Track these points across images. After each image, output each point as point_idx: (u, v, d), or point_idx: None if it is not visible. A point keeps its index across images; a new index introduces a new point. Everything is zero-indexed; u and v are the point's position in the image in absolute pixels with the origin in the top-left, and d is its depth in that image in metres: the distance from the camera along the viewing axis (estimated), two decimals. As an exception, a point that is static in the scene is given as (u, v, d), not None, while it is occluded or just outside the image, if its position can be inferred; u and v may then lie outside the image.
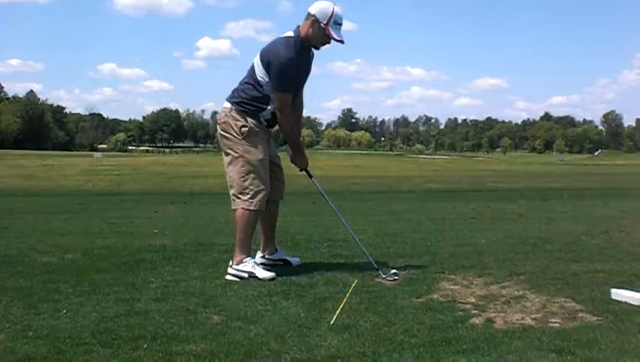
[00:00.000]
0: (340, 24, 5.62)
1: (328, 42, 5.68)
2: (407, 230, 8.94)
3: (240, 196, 5.66)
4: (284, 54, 5.51)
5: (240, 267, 5.56)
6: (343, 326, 4.01)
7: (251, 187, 5.62)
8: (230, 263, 5.64)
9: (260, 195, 5.63)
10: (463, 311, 4.40)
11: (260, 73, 5.62)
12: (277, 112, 5.66)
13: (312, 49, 5.80)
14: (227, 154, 5.76)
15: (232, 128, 5.68)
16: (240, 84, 5.79)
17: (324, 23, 5.54)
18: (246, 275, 5.50)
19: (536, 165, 70.71)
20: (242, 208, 5.63)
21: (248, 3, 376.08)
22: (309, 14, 5.59)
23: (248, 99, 5.68)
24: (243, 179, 5.64)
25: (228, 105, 5.76)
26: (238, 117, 5.68)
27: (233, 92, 5.80)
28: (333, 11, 5.54)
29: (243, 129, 5.64)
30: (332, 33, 5.56)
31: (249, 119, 5.66)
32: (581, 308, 4.49)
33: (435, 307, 4.50)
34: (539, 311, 4.41)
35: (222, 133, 5.78)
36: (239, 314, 4.31)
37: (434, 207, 13.87)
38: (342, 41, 5.65)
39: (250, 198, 5.62)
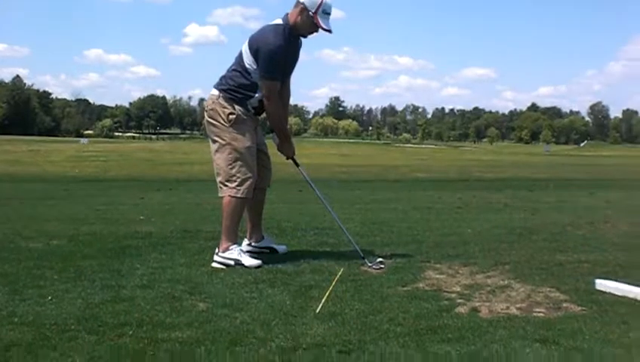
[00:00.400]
0: (329, 13, 5.60)
1: (316, 31, 5.66)
2: (393, 219, 8.96)
3: (227, 183, 5.65)
4: (272, 42, 5.50)
5: (226, 254, 5.56)
6: (329, 314, 4.02)
7: (238, 174, 5.62)
8: (216, 251, 5.64)
9: (247, 183, 5.63)
10: (448, 300, 4.42)
11: (248, 60, 5.60)
12: (264, 100, 5.65)
13: (301, 37, 5.79)
14: (214, 141, 5.75)
15: (220, 115, 5.66)
16: (228, 71, 5.77)
17: (313, 11, 5.52)
18: (232, 263, 5.50)
19: (523, 155, 70.89)
20: (229, 195, 5.63)
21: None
22: (297, 2, 5.57)
23: (236, 87, 5.66)
24: (230, 166, 5.63)
25: (215, 92, 5.75)
26: (225, 104, 5.66)
27: (221, 79, 5.79)
28: (322, 0, 5.53)
29: (230, 116, 5.63)
30: (320, 22, 5.55)
31: (236, 107, 5.65)
32: (565, 298, 4.52)
33: (421, 296, 4.52)
34: (523, 301, 4.44)
35: (209, 120, 5.77)
36: (225, 302, 4.31)
37: (420, 196, 13.90)
38: (329, 31, 5.63)
39: (237, 186, 5.61)
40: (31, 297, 4.36)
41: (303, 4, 5.54)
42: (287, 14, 5.65)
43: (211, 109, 5.74)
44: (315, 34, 5.71)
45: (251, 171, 5.66)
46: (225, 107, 5.66)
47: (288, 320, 3.92)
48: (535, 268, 5.46)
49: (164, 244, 6.49)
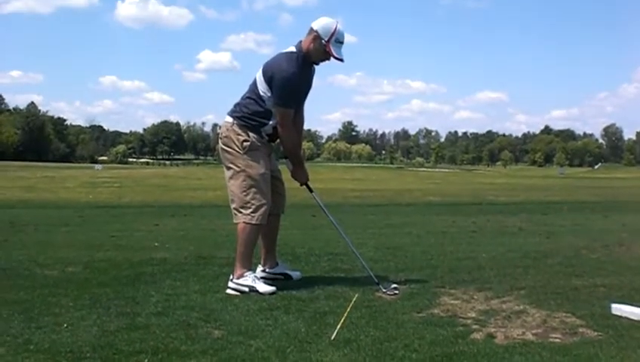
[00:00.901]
0: (342, 42, 5.65)
1: (328, 59, 5.70)
2: (407, 243, 8.95)
3: (242, 210, 5.66)
4: (286, 69, 5.53)
5: (241, 281, 5.56)
6: (344, 341, 4.01)
7: (253, 201, 5.63)
8: (231, 277, 5.65)
9: (262, 209, 5.64)
10: (463, 326, 4.40)
11: (262, 88, 5.63)
12: (278, 127, 5.67)
13: (314, 64, 5.82)
14: (229, 168, 5.77)
15: (234, 143, 5.69)
16: (242, 98, 5.81)
17: (326, 39, 5.56)
18: (247, 289, 5.50)
19: (537, 178, 70.64)
20: (244, 222, 5.65)
21: (249, 16, 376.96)
22: (311, 29, 5.61)
23: (250, 114, 5.69)
24: (245, 193, 5.65)
25: (230, 119, 5.78)
26: (240, 131, 5.69)
27: (235, 106, 5.82)
28: (335, 29, 5.57)
29: (245, 143, 5.66)
30: (332, 50, 5.59)
31: (251, 134, 5.68)
32: (581, 323, 4.49)
33: (436, 322, 4.51)
34: (539, 326, 4.42)
35: (223, 147, 5.80)
36: (240, 329, 4.31)
37: (434, 221, 13.86)
38: (341, 60, 5.67)
39: (252, 212, 5.63)
40: (46, 325, 4.38)
41: (316, 32, 5.58)
42: (301, 42, 5.68)
43: (225, 136, 5.77)
44: (327, 61, 5.75)
45: (266, 198, 5.68)
46: (239, 134, 5.69)
47: (303, 347, 3.91)
48: (550, 293, 5.43)
49: (178, 271, 6.50)
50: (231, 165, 5.75)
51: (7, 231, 10.74)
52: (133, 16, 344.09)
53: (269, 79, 5.59)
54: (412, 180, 54.51)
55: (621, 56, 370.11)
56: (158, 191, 29.14)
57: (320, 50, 5.61)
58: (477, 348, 3.90)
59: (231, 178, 5.76)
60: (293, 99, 5.69)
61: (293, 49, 5.68)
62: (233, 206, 5.74)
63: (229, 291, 5.53)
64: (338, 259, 7.20)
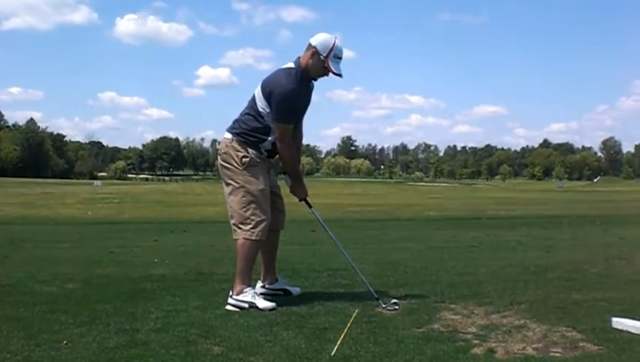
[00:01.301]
0: (340, 58, 5.67)
1: (326, 75, 5.71)
2: (407, 258, 8.94)
3: (241, 226, 5.66)
4: (284, 85, 5.54)
5: (240, 297, 5.55)
6: (344, 357, 4.00)
7: (253, 217, 5.63)
8: (230, 293, 5.64)
9: (262, 225, 5.64)
10: (464, 341, 4.39)
11: (261, 104, 5.64)
12: (277, 142, 5.69)
13: (312, 80, 5.84)
14: (228, 184, 5.78)
15: (233, 159, 5.70)
16: (241, 115, 5.82)
17: (324, 55, 5.58)
18: (246, 305, 5.49)
19: (536, 192, 70.71)
20: (244, 238, 5.65)
21: (248, 32, 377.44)
22: (309, 45, 5.63)
23: (249, 130, 5.70)
24: (244, 209, 5.65)
25: (229, 135, 5.79)
26: (239, 148, 5.70)
27: (234, 123, 5.83)
28: (334, 44, 5.59)
29: (244, 160, 5.67)
30: (331, 66, 5.61)
31: (250, 150, 5.68)
32: (582, 337, 4.48)
33: (436, 337, 4.50)
34: (540, 341, 4.41)
35: (222, 163, 5.81)
36: (240, 345, 4.30)
37: (434, 235, 13.86)
38: (340, 75, 5.69)
39: (251, 228, 5.63)
40: (46, 342, 4.36)
41: (314, 47, 5.60)
42: (299, 58, 5.70)
43: (225, 153, 5.78)
44: (325, 77, 5.76)
45: (265, 213, 5.68)
46: (238, 150, 5.69)
47: (303, 363, 3.91)
48: (551, 307, 5.42)
49: (178, 287, 6.49)
50: (230, 181, 5.75)
51: (7, 248, 10.74)
52: (133, 33, 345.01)
53: (267, 95, 5.60)
54: (411, 195, 54.57)
55: (620, 70, 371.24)
56: (157, 207, 29.16)
57: (318, 65, 5.62)
58: (478, 363, 3.89)
59: (230, 194, 5.76)
60: (292, 114, 5.70)
61: (291, 65, 5.69)
62: (233, 222, 5.73)
63: (228, 307, 5.52)
64: (338, 275, 7.19)
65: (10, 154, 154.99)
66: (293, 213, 6.97)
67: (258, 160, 5.71)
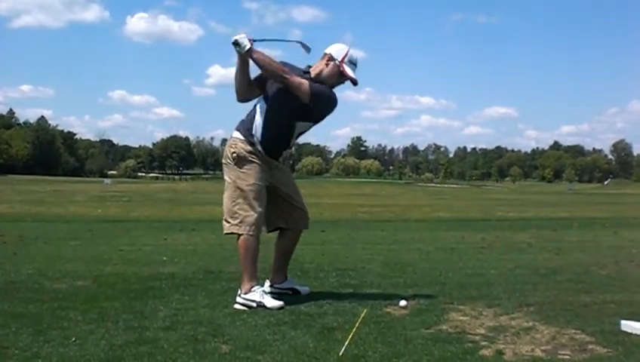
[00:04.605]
0: (355, 65, 5.71)
1: (342, 82, 5.74)
2: (416, 259, 8.93)
3: (229, 220, 5.74)
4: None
5: (248, 296, 5.56)
6: (352, 357, 4.00)
7: (240, 212, 5.68)
8: (239, 292, 5.64)
9: (248, 220, 5.66)
10: (472, 343, 4.39)
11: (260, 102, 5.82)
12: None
13: None
14: (225, 180, 5.88)
15: (228, 155, 5.82)
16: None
17: (339, 60, 5.60)
18: (254, 304, 5.49)
19: (546, 194, 70.53)
20: (235, 233, 5.73)
21: (259, 31, 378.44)
22: (324, 54, 5.70)
23: (240, 125, 5.84)
24: (233, 203, 5.72)
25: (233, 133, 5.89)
26: (231, 143, 5.81)
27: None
28: (348, 51, 5.65)
29: (233, 155, 5.75)
30: (346, 70, 5.62)
31: (240, 145, 5.74)
32: (591, 339, 4.47)
33: (445, 338, 4.49)
34: (548, 343, 4.40)
35: (222, 160, 5.94)
36: (247, 344, 4.31)
37: (443, 236, 13.82)
38: (355, 81, 5.71)
39: (239, 223, 5.67)
40: (55, 338, 4.38)
41: (329, 54, 5.64)
42: (309, 66, 5.77)
43: (224, 150, 5.90)
44: (341, 84, 5.78)
45: (253, 209, 5.68)
46: (231, 146, 5.80)
47: (311, 362, 3.91)
48: (560, 310, 5.41)
49: (186, 285, 6.50)
50: (226, 177, 5.85)
51: (17, 245, 10.77)
52: (143, 32, 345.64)
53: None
54: (421, 196, 54.51)
55: (631, 73, 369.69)
56: (166, 206, 29.19)
57: (334, 71, 5.65)
58: (486, 364, 3.89)
59: (225, 189, 5.85)
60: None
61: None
62: (223, 216, 5.80)
63: (237, 306, 5.52)
64: (346, 275, 7.19)
65: (21, 152, 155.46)
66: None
67: (248, 155, 5.73)
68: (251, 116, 5.81)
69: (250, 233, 5.67)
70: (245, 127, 5.79)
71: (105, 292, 6.16)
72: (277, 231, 6.11)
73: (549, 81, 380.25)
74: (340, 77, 5.68)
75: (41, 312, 5.19)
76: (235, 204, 5.70)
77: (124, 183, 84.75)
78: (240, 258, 5.74)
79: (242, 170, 5.72)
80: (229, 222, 5.74)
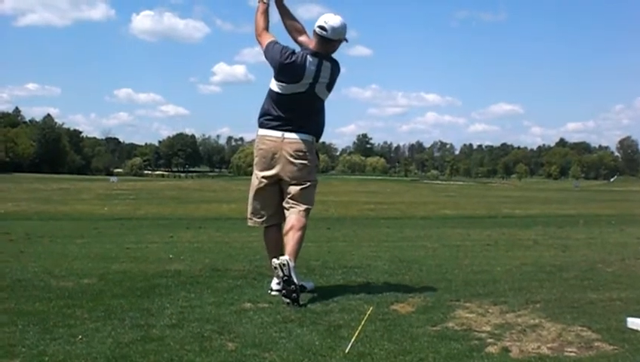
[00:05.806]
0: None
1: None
2: (422, 257, 8.92)
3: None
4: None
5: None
6: (358, 355, 4.01)
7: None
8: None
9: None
10: (478, 340, 4.39)
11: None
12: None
13: (330, 62, 5.99)
14: (309, 182, 6.08)
15: (315, 159, 6.11)
16: None
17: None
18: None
19: (552, 191, 70.40)
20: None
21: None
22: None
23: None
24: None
25: None
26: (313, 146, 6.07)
27: None
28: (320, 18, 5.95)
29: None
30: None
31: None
32: (597, 337, 4.47)
33: (451, 335, 4.49)
34: (555, 340, 4.40)
35: (308, 163, 6.05)
36: (254, 342, 4.31)
37: (449, 234, 13.82)
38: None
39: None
40: (61, 336, 4.39)
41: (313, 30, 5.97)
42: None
43: (308, 154, 6.05)
44: (336, 46, 6.02)
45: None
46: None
47: (317, 360, 3.91)
48: (566, 307, 5.40)
49: (193, 283, 6.50)
50: (311, 177, 6.08)
51: (23, 243, 10.80)
52: (149, 29, 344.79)
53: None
54: (427, 193, 54.45)
55: (637, 69, 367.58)
56: (173, 204, 29.23)
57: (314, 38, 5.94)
58: (492, 361, 3.88)
59: (311, 189, 6.09)
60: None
61: None
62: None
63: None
64: (352, 272, 7.19)
65: (27, 150, 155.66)
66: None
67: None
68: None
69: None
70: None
71: (111, 290, 6.16)
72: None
73: (555, 78, 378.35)
74: (315, 40, 5.94)
75: (47, 310, 5.20)
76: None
77: (130, 181, 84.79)
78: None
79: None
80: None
